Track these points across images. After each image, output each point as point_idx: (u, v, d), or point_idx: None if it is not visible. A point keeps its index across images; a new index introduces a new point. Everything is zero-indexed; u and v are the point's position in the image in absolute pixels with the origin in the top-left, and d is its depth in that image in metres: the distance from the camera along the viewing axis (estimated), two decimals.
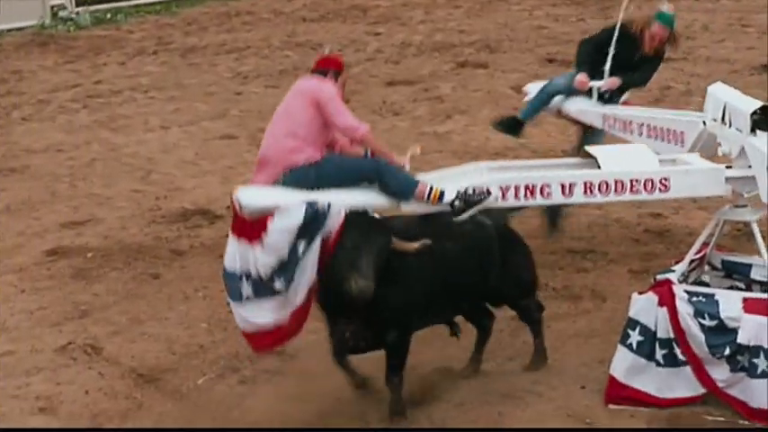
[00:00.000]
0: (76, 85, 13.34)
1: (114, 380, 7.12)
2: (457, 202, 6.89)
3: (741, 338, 6.28)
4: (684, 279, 6.67)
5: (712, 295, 6.44)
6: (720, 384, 6.36)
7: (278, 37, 15.03)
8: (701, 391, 6.42)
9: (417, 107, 11.95)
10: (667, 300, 6.44)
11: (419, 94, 12.21)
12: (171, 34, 15.37)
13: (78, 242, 9.04)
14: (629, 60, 8.42)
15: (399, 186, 6.90)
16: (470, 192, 6.86)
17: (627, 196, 6.69)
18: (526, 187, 6.65)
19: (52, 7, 15.95)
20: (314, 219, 6.37)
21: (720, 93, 6.94)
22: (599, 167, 6.69)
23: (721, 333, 6.32)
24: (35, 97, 12.88)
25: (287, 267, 6.33)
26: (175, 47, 14.78)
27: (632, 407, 6.50)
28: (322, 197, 6.66)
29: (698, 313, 6.38)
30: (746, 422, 6.29)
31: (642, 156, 6.88)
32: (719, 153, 6.87)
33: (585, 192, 6.63)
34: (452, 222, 6.61)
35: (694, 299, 6.42)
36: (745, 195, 6.70)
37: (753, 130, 6.56)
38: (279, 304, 6.40)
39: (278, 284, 6.35)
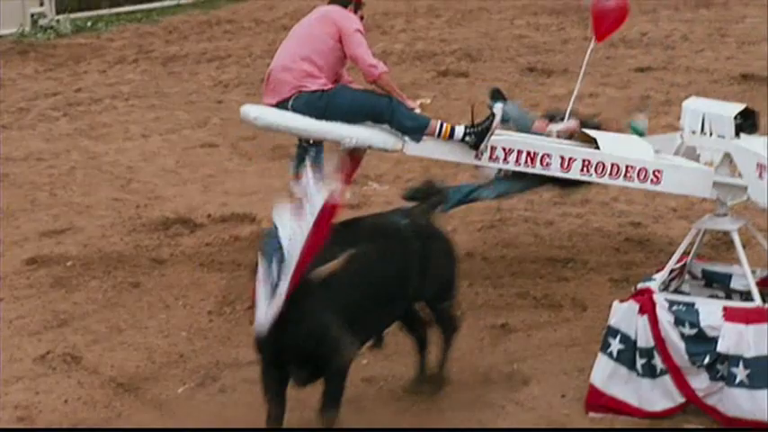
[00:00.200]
0: (56, 93, 13.30)
1: (94, 389, 7.08)
2: (468, 138, 6.95)
3: (721, 347, 6.29)
4: (665, 288, 6.68)
5: (693, 304, 6.45)
6: (699, 393, 6.38)
7: (259, 46, 15.03)
8: (681, 401, 6.43)
9: None
10: (648, 308, 6.45)
11: None
12: (151, 42, 15.35)
13: (58, 251, 9.00)
14: None
15: (412, 124, 6.99)
16: (478, 122, 6.95)
17: (620, 181, 6.77)
18: (528, 153, 6.84)
19: (32, 15, 15.90)
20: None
21: (697, 104, 6.98)
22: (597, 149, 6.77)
23: (701, 342, 6.33)
24: (15, 105, 12.83)
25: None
26: (156, 55, 14.76)
27: (612, 415, 6.50)
28: (330, 129, 6.91)
29: (678, 322, 6.40)
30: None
31: (639, 145, 6.97)
32: (701, 162, 6.90)
33: (582, 169, 6.75)
34: (366, 228, 6.41)
35: (675, 307, 6.43)
36: (728, 204, 6.74)
37: (737, 134, 6.61)
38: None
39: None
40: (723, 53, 13.79)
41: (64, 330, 7.78)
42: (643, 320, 6.44)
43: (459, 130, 7.01)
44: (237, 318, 7.89)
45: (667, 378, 6.42)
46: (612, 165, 6.72)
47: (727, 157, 6.73)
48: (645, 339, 6.45)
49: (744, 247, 6.64)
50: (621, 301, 6.61)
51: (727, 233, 6.88)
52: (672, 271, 6.82)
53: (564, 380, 6.84)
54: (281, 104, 7.14)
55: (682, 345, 6.36)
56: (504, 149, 6.88)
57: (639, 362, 6.47)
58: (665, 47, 14.21)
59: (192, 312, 7.98)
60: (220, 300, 8.14)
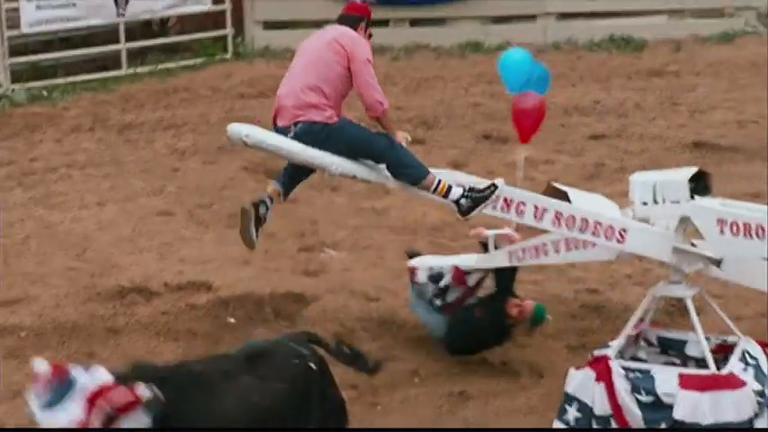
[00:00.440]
0: (11, 162, 13.23)
1: None
2: (464, 200, 6.96)
3: (677, 415, 6.31)
4: (621, 355, 6.70)
5: (649, 371, 6.48)
6: None
7: (216, 113, 15.04)
8: None
9: (355, 183, 11.89)
10: (604, 376, 6.47)
11: None
12: (107, 111, 15.33)
13: (12, 321, 8.92)
14: None
15: (410, 173, 6.98)
16: (477, 188, 6.98)
17: (587, 235, 6.81)
18: (505, 200, 6.84)
19: None
20: None
21: (645, 176, 7.07)
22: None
23: (658, 409, 6.35)
24: None
25: None
26: (112, 123, 14.74)
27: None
28: (318, 155, 7.01)
29: (635, 389, 6.41)
30: None
31: (606, 204, 7.04)
32: None
33: (553, 221, 6.78)
34: (273, 362, 5.91)
35: (631, 375, 6.46)
36: (686, 272, 6.79)
37: (691, 197, 6.69)
38: None
39: None
40: (675, 121, 13.96)
41: (17, 402, 7.66)
42: (600, 388, 6.46)
43: (457, 192, 7.07)
44: None
45: None
46: (582, 219, 6.80)
47: (683, 222, 6.80)
48: (602, 407, 6.46)
49: (698, 314, 6.68)
50: (578, 368, 6.63)
51: (681, 300, 6.92)
52: (628, 338, 6.85)
53: None
54: (283, 130, 7.17)
55: (639, 412, 6.38)
56: None
57: (596, 429, 6.47)
58: (619, 115, 14.36)
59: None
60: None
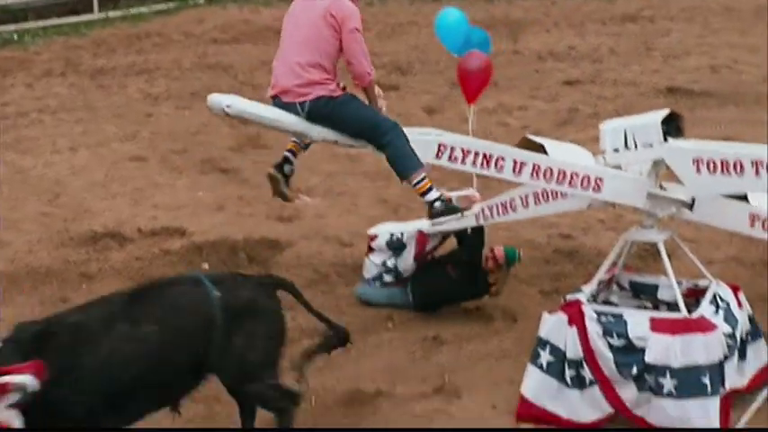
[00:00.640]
0: None
1: None
2: (438, 204, 7.01)
3: (648, 358, 6.35)
4: (593, 299, 6.74)
5: (621, 315, 6.51)
6: (628, 404, 6.42)
7: (189, 58, 14.99)
8: (609, 411, 6.47)
9: None
10: (577, 320, 6.50)
11: None
12: (80, 56, 15.24)
13: None
14: None
15: (404, 163, 7.02)
16: (447, 199, 7.02)
17: (564, 187, 6.86)
18: (484, 155, 6.91)
19: None
20: None
21: (614, 123, 7.07)
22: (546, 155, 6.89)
23: (629, 352, 6.38)
24: None
25: None
26: (84, 68, 14.66)
27: (542, 426, 6.54)
28: (300, 124, 7.10)
29: (607, 333, 6.44)
30: None
31: (582, 154, 7.06)
32: None
33: (532, 174, 6.84)
34: (163, 300, 5.59)
35: (603, 319, 6.48)
36: (659, 216, 6.83)
37: (665, 139, 6.70)
38: None
39: None
40: (649, 66, 13.99)
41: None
42: (572, 332, 6.49)
43: (434, 195, 7.14)
44: None
45: (596, 389, 6.47)
46: (559, 171, 6.83)
47: (656, 166, 6.81)
48: (574, 351, 6.49)
49: (670, 258, 6.72)
50: (551, 312, 6.65)
51: (653, 244, 6.95)
52: (600, 282, 6.88)
53: (495, 391, 6.87)
54: (288, 106, 7.21)
55: (610, 356, 6.41)
56: (463, 150, 7.01)
57: (569, 373, 6.51)
58: (593, 60, 14.38)
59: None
60: None
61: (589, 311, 6.50)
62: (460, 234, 7.94)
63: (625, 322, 6.45)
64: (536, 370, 6.60)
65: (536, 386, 6.57)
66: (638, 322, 6.44)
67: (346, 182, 10.70)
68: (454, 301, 8.01)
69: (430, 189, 7.25)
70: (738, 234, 8.60)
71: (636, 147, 6.83)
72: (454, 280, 7.91)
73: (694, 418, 6.28)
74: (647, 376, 6.36)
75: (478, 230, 7.85)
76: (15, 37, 15.99)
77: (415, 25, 16.04)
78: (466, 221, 7.68)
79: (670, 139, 6.72)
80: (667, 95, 12.63)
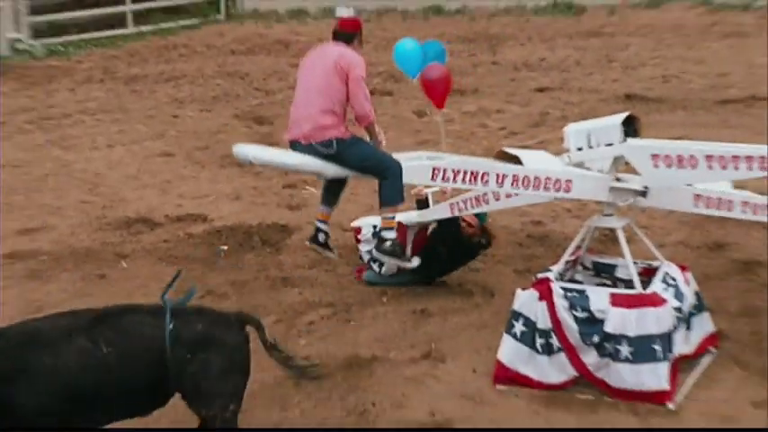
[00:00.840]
0: (32, 108, 13.14)
1: None
2: (388, 243, 6.97)
3: (608, 328, 6.35)
4: (561, 277, 6.73)
5: (584, 291, 6.50)
6: (590, 368, 6.42)
7: (210, 67, 14.95)
8: (574, 374, 6.47)
9: None
10: (546, 295, 6.49)
11: None
12: (116, 65, 15.20)
13: (33, 247, 8.88)
14: None
15: (392, 195, 7.02)
16: (399, 247, 6.97)
17: (540, 192, 6.84)
18: (472, 173, 6.84)
19: (9, 40, 15.70)
20: None
21: (577, 126, 7.06)
22: (521, 165, 6.84)
23: (591, 323, 6.38)
24: None
25: None
26: (120, 76, 14.62)
27: (516, 387, 6.54)
28: (320, 165, 6.99)
29: (572, 306, 6.44)
30: (610, 400, 6.37)
31: (552, 160, 7.03)
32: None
33: (512, 183, 6.81)
34: (121, 325, 5.26)
35: (569, 294, 6.48)
36: (621, 205, 6.82)
37: (624, 139, 6.70)
38: None
39: None
40: (610, 76, 13.96)
41: (38, 317, 7.66)
42: (542, 306, 6.48)
43: (391, 235, 7.11)
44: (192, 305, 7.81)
45: (562, 355, 6.47)
46: (535, 178, 6.80)
47: (615, 162, 6.81)
48: (543, 322, 6.49)
49: (627, 242, 6.71)
50: (524, 289, 6.65)
51: (613, 230, 6.95)
52: (566, 263, 6.87)
53: (475, 357, 6.86)
54: (302, 147, 7.12)
55: (575, 326, 6.41)
56: (453, 171, 6.91)
57: (539, 341, 6.51)
58: (561, 70, 14.35)
59: (151, 300, 7.87)
60: (176, 289, 8.02)
61: (557, 288, 6.49)
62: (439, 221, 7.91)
63: (588, 297, 6.44)
64: (510, 339, 6.59)
65: (511, 352, 6.57)
66: (599, 297, 6.43)
67: None
68: (459, 268, 8.02)
69: (391, 228, 7.15)
70: (685, 222, 8.63)
71: (598, 145, 6.82)
72: (448, 255, 7.89)
73: (647, 380, 6.29)
74: (607, 344, 6.36)
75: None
76: (61, 48, 15.94)
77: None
78: (440, 212, 7.65)
79: (629, 139, 6.72)
80: (625, 101, 12.62)
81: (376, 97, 12.91)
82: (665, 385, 6.27)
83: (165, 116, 12.76)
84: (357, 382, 6.62)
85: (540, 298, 6.51)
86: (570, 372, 6.48)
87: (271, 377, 6.67)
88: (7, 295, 8.00)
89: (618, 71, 14.11)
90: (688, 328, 6.69)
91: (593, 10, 17.28)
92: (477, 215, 7.86)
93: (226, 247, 8.81)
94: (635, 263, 6.71)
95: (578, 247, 7.00)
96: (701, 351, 6.78)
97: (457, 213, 7.62)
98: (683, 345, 6.58)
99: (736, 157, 6.36)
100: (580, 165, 6.97)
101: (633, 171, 6.76)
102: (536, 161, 6.98)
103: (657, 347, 6.29)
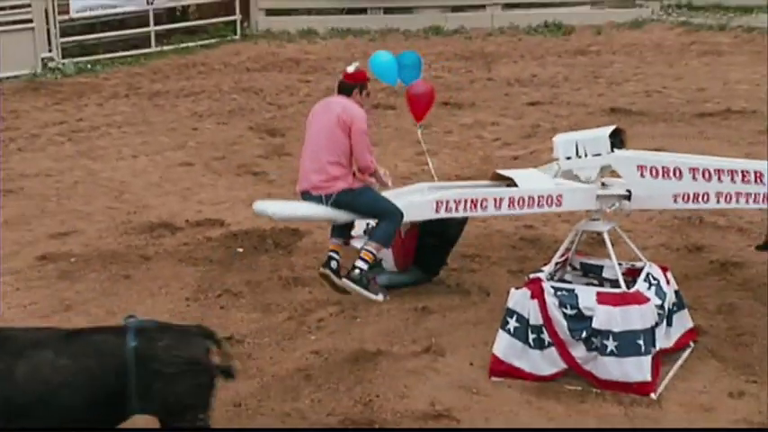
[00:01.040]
0: (62, 122, 13.13)
1: None
2: (357, 272, 6.91)
3: (595, 324, 6.34)
4: (551, 277, 6.73)
5: (573, 290, 6.50)
6: (579, 361, 6.42)
7: (227, 83, 14.94)
8: (563, 367, 6.47)
9: None
10: (538, 294, 6.49)
11: None
12: (140, 81, 15.20)
13: (63, 249, 8.88)
14: None
15: (384, 236, 6.97)
16: (367, 279, 7.00)
17: (534, 209, 6.82)
18: (472, 201, 6.77)
19: (43, 59, 15.74)
20: None
21: (566, 137, 7.05)
22: (515, 186, 6.78)
23: (580, 320, 6.38)
24: (28, 132, 12.65)
25: None
26: (143, 91, 14.62)
27: (510, 379, 6.53)
28: (334, 214, 6.94)
29: (561, 304, 6.44)
30: (597, 391, 6.36)
31: (542, 177, 7.00)
32: (582, 180, 6.94)
33: (510, 205, 6.76)
34: (86, 344, 5.09)
35: (559, 293, 6.48)
36: (608, 210, 6.82)
37: (612, 150, 6.70)
38: None
39: None
40: (596, 91, 13.94)
41: (68, 314, 7.67)
42: (534, 304, 6.48)
43: (365, 266, 6.96)
44: (209, 303, 7.83)
45: (553, 349, 6.47)
46: (529, 197, 6.76)
47: (602, 171, 6.81)
48: (535, 318, 6.48)
49: (613, 244, 6.71)
50: (517, 288, 6.64)
51: (600, 233, 6.94)
52: (557, 264, 6.87)
53: (472, 351, 6.86)
54: (314, 197, 7.05)
55: (564, 322, 6.41)
56: (455, 201, 6.84)
57: (531, 336, 6.50)
58: (551, 86, 14.33)
59: (172, 299, 7.90)
60: (196, 288, 8.07)
61: (548, 287, 6.49)
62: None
63: (576, 296, 6.44)
64: (505, 334, 6.59)
65: (505, 347, 6.56)
66: (586, 296, 6.43)
67: None
68: (451, 250, 8.03)
69: (367, 262, 7.01)
70: (666, 227, 8.62)
71: (586, 155, 6.82)
72: (440, 242, 7.87)
73: (631, 372, 6.28)
74: (594, 339, 6.36)
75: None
76: (89, 66, 15.95)
77: None
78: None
79: (616, 150, 6.72)
80: (610, 114, 12.58)
81: (380, 110, 12.95)
82: (647, 377, 6.27)
83: (186, 128, 12.75)
84: (363, 374, 6.61)
85: (533, 296, 6.51)
86: (560, 365, 6.48)
87: (283, 370, 6.68)
88: (40, 294, 8.01)
89: (603, 86, 14.09)
90: (669, 324, 6.68)
91: (580, 30, 17.25)
92: None
93: (241, 250, 8.81)
94: (620, 264, 6.71)
95: (568, 250, 6.99)
96: (680, 345, 6.77)
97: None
98: (665, 340, 6.57)
99: (719, 171, 6.38)
100: (568, 172, 6.97)
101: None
102: (528, 180, 6.93)
103: (641, 342, 6.28)
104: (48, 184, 10.70)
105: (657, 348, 6.39)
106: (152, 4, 16.93)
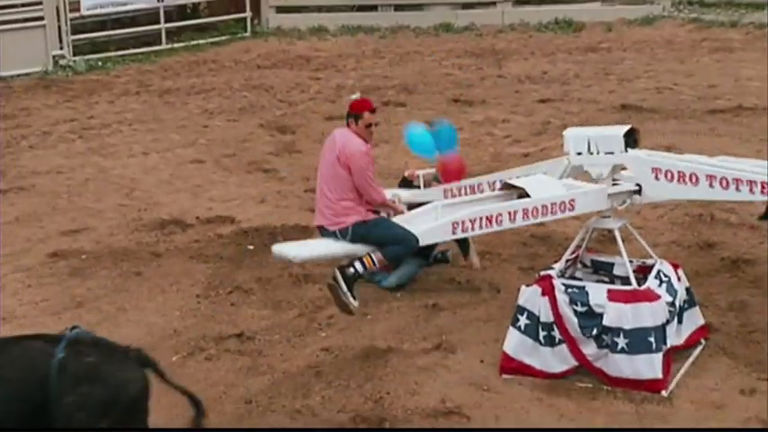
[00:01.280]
0: (73, 119, 13.16)
1: None
2: (351, 270, 6.81)
3: (606, 321, 6.34)
4: (562, 275, 6.71)
5: (583, 287, 6.49)
6: (589, 358, 6.41)
7: (237, 80, 14.95)
8: (574, 364, 6.47)
9: None
10: (548, 291, 6.48)
11: None
12: (150, 78, 15.22)
13: (75, 246, 8.90)
14: None
15: (393, 255, 6.94)
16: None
17: (548, 217, 6.77)
18: (487, 218, 6.69)
19: (54, 57, 15.77)
20: None
21: (577, 132, 7.01)
22: (528, 196, 6.72)
23: (590, 317, 6.37)
24: (40, 129, 12.68)
25: None
26: (154, 89, 14.63)
27: (520, 376, 6.53)
28: (352, 248, 6.88)
29: (572, 301, 6.43)
30: (608, 388, 6.35)
31: (552, 182, 6.94)
32: (592, 177, 6.91)
33: (524, 216, 6.69)
34: (12, 352, 4.85)
35: (569, 290, 6.47)
36: (619, 207, 6.79)
37: (625, 150, 6.67)
38: None
39: None
40: (607, 88, 13.90)
41: (79, 311, 7.69)
42: (544, 301, 6.47)
43: (359, 268, 6.89)
44: (220, 300, 7.85)
45: (564, 346, 6.46)
46: (543, 206, 6.71)
47: (613, 170, 6.78)
48: (546, 316, 6.48)
49: (623, 241, 6.69)
50: (528, 285, 6.64)
51: (610, 231, 6.93)
52: (567, 261, 6.86)
53: (482, 348, 6.86)
54: (330, 233, 7.06)
55: (575, 320, 6.40)
56: (471, 221, 6.80)
57: (542, 334, 6.50)
58: (562, 83, 14.30)
59: (183, 296, 7.92)
60: (206, 285, 8.09)
61: (558, 284, 6.48)
62: None
63: (587, 293, 6.43)
64: (515, 331, 6.58)
65: (516, 344, 6.56)
66: (597, 293, 6.42)
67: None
68: None
69: (365, 268, 6.92)
70: (677, 224, 8.59)
71: (598, 152, 6.80)
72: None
73: (642, 370, 6.27)
74: (605, 336, 6.35)
75: None
76: (100, 64, 15.98)
77: (419, 54, 15.97)
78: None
79: (629, 150, 6.68)
80: (621, 111, 12.56)
81: (390, 108, 12.95)
82: (658, 374, 6.25)
83: (196, 126, 12.76)
84: (373, 371, 6.62)
85: (543, 294, 6.50)
86: (571, 362, 6.47)
87: (294, 367, 6.69)
88: (51, 291, 8.04)
89: (614, 83, 14.05)
90: (680, 321, 6.66)
91: (591, 27, 17.22)
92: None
93: (252, 247, 8.81)
94: (631, 261, 6.69)
95: (578, 247, 6.98)
96: (691, 343, 6.76)
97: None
98: (676, 337, 6.56)
99: (738, 180, 6.32)
100: (578, 168, 6.95)
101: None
102: (539, 189, 6.88)
103: (652, 339, 6.27)
104: (59, 182, 10.72)
105: (668, 345, 6.38)
106: (163, 1, 16.96)
